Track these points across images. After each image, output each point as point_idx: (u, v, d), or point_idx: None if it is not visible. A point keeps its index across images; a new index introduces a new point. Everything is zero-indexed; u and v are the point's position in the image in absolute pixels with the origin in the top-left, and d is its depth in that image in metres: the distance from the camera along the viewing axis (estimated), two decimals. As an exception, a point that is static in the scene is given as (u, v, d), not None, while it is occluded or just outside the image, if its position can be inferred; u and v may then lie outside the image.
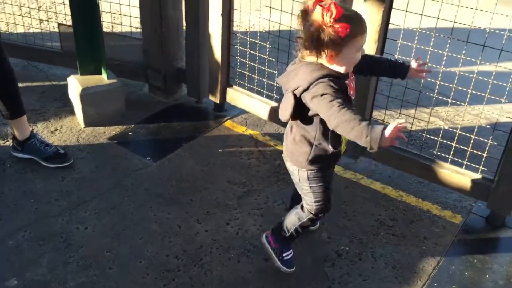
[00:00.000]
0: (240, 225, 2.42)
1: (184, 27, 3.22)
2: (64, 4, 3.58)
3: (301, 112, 1.75)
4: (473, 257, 2.30)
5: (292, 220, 2.07)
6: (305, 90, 1.68)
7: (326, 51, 1.62)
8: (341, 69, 1.68)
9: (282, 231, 2.11)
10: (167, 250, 2.27)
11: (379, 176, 2.77)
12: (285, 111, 1.78)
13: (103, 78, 3.10)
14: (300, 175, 1.93)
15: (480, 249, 2.34)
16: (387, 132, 1.55)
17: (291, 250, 2.16)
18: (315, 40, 1.60)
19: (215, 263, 2.21)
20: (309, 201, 1.98)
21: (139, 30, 3.44)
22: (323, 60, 1.67)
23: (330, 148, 1.83)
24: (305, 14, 1.63)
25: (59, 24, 3.51)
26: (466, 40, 2.24)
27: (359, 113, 1.63)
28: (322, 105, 1.64)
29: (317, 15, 1.57)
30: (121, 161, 2.82)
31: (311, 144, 1.83)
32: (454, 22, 2.22)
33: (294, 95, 1.71)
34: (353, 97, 1.81)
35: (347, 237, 2.37)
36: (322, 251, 2.28)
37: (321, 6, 1.56)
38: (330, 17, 1.55)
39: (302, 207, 2.04)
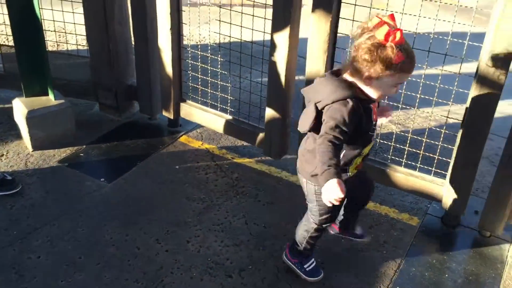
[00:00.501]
0: (201, 242, 2.37)
1: (133, 43, 3.17)
2: (5, 25, 3.44)
3: (319, 125, 1.75)
4: (432, 257, 2.35)
5: (301, 233, 2.11)
6: (327, 105, 1.69)
7: (371, 69, 1.62)
8: (373, 94, 1.71)
9: (296, 245, 2.14)
10: (126, 274, 2.19)
11: (337, 183, 2.79)
12: (305, 122, 1.79)
13: (50, 98, 2.99)
14: (308, 187, 1.96)
15: (438, 249, 2.40)
16: (327, 189, 1.60)
17: (311, 260, 2.18)
18: (368, 54, 1.61)
19: (177, 284, 2.15)
20: (315, 212, 2.00)
21: (86, 47, 3.35)
22: (359, 80, 1.68)
23: None
24: (366, 30, 1.64)
25: (0, 45, 3.37)
26: (412, 46, 2.30)
27: (337, 159, 1.66)
28: (326, 125, 1.68)
29: (381, 33, 1.59)
30: (73, 184, 2.71)
31: None
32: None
33: (316, 107, 1.73)
34: (375, 122, 1.83)
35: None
36: (285, 264, 2.26)
37: (388, 26, 1.59)
38: (393, 40, 1.58)
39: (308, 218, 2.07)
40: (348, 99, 1.67)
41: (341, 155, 1.81)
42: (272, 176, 2.85)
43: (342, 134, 1.66)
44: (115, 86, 3.24)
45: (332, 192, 1.60)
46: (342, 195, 1.59)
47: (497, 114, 2.20)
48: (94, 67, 3.26)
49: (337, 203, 1.64)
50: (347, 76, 1.73)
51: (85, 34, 3.20)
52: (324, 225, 2.05)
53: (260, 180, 2.81)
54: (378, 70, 1.63)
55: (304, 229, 2.08)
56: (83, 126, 3.18)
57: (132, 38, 3.16)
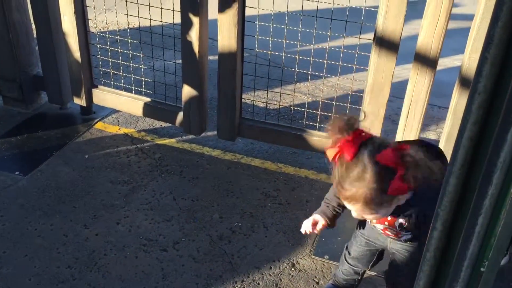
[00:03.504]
0: (131, 222, 2.37)
1: (35, 31, 3.03)
2: None
3: None
4: (351, 209, 2.55)
5: None
6: None
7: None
8: None
9: None
10: (57, 262, 2.14)
11: (258, 153, 2.92)
12: None
13: None
14: None
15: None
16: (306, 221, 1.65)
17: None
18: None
19: (112, 264, 2.14)
20: None
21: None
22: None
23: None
24: None
25: None
26: (316, 18, 2.46)
27: (331, 201, 1.66)
28: None
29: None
30: (-15, 180, 2.57)
31: None
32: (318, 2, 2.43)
33: None
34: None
35: (237, 214, 2.46)
36: (217, 231, 2.35)
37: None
38: None
39: None
40: None
41: None
42: (194, 152, 2.90)
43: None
44: (18, 77, 3.08)
45: (308, 222, 1.64)
46: (302, 229, 1.63)
47: (394, 79, 2.43)
48: (-6, 59, 3.07)
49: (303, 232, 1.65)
50: None
51: (-21, 23, 3.00)
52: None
53: (183, 158, 2.85)
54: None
55: None
56: (-12, 122, 3.01)
57: (34, 26, 3.02)
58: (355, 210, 1.36)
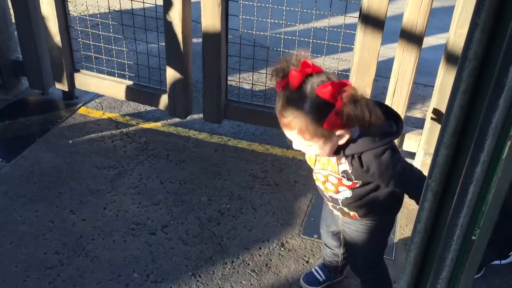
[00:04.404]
0: (119, 206, 2.35)
1: (13, 16, 2.95)
2: None
3: None
4: (338, 189, 2.56)
5: None
6: None
7: None
8: None
9: None
10: (44, 248, 2.11)
11: (244, 135, 2.90)
12: None
13: None
14: None
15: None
16: None
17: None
18: None
19: (100, 249, 2.13)
20: None
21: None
22: None
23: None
24: None
25: None
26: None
27: None
28: None
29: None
30: (-33, 168, 2.52)
31: None
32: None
33: None
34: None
35: (226, 196, 2.45)
36: (205, 214, 2.34)
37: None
38: None
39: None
40: None
41: None
42: (181, 135, 2.87)
43: None
44: (-2, 62, 3.01)
45: None
46: None
47: (379, 58, 2.41)
48: (-29, 44, 2.99)
49: None
50: None
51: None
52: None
53: (169, 141, 2.82)
54: None
55: None
56: (-33, 109, 2.94)
57: (11, 10, 2.94)
58: (293, 139, 1.38)
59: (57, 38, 2.87)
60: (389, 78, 2.45)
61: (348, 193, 1.54)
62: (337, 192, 1.55)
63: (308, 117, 1.30)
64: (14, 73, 3.11)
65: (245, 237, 2.23)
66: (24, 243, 2.13)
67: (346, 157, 1.43)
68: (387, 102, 2.51)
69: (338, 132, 1.34)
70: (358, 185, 1.50)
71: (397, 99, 2.47)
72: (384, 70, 2.92)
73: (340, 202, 1.59)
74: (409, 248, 0.87)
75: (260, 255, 2.15)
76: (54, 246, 2.12)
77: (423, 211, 0.83)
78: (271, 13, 2.50)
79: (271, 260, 2.13)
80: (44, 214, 2.28)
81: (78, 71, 3.03)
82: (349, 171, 1.45)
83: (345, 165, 1.46)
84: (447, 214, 0.78)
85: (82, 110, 3.05)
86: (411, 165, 1.52)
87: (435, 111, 2.42)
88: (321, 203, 2.42)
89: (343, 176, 1.49)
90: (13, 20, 2.97)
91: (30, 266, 2.03)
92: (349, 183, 1.50)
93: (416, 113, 3.23)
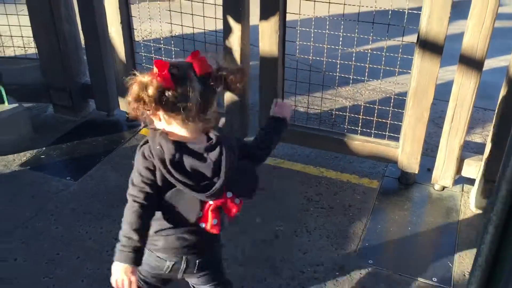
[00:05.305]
0: (177, 225, 2.43)
1: (83, 41, 3.15)
2: None
3: None
4: (394, 214, 2.53)
5: None
6: None
7: None
8: None
9: None
10: (107, 264, 2.19)
11: (299, 157, 2.93)
12: None
13: (3, 104, 2.94)
14: None
15: (399, 206, 2.58)
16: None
17: None
18: None
19: (159, 266, 2.20)
20: None
21: (32, 50, 3.29)
22: None
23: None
24: None
25: None
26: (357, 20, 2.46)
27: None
28: None
29: None
30: (40, 186, 2.69)
31: None
32: (344, 5, 2.43)
33: None
34: None
35: (280, 218, 2.48)
36: (259, 235, 2.37)
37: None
38: None
39: None
40: None
41: None
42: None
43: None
44: (68, 86, 3.21)
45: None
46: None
47: (438, 81, 2.40)
48: (45, 69, 3.22)
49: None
50: None
51: (31, 36, 3.15)
52: None
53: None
54: None
55: None
56: (40, 129, 3.15)
57: (82, 36, 3.15)
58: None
59: (123, 63, 3.04)
60: (447, 101, 2.42)
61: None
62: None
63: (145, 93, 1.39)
64: (83, 96, 3.31)
65: (300, 260, 2.25)
66: (89, 258, 2.24)
67: None
68: (446, 126, 2.47)
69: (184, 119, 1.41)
70: None
71: (456, 124, 2.43)
72: (442, 93, 2.87)
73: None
74: (469, 281, 0.87)
75: (315, 279, 2.15)
76: (116, 262, 2.22)
77: (484, 245, 0.84)
78: (327, 38, 2.54)
79: (325, 284, 2.13)
80: (108, 231, 2.40)
81: (141, 94, 3.18)
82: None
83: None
84: (510, 246, 0.78)
85: (144, 132, 3.19)
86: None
87: (496, 136, 2.36)
88: (376, 229, 2.40)
89: None
90: (83, 45, 3.18)
91: (95, 281, 2.13)
92: None
93: (476, 138, 3.15)
